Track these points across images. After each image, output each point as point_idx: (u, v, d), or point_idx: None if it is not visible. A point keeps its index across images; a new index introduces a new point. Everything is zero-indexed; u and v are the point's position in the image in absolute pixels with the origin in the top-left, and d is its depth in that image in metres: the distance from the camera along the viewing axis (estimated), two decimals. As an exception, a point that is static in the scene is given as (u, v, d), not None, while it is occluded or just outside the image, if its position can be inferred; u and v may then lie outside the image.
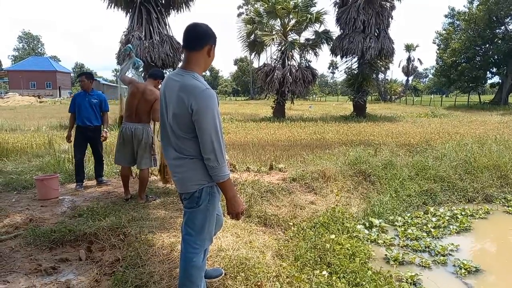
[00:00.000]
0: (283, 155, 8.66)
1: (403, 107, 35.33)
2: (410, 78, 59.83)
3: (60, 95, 58.62)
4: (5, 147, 8.61)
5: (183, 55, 2.22)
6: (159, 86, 5.03)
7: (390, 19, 20.08)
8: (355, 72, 21.01)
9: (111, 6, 17.11)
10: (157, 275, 2.88)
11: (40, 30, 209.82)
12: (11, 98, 41.59)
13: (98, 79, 72.55)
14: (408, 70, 56.25)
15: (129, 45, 5.09)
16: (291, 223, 4.41)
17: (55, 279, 3.21)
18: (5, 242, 3.71)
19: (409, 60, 55.85)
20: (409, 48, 55.77)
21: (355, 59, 20.72)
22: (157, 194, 5.25)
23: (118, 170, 6.84)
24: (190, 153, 2.16)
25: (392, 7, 20.18)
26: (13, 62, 79.86)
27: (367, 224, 4.80)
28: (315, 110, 29.34)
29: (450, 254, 4.02)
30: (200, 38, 2.16)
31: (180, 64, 2.26)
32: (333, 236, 3.81)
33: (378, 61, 21.41)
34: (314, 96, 65.74)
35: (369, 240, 4.39)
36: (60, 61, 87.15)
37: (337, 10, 20.45)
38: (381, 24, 19.57)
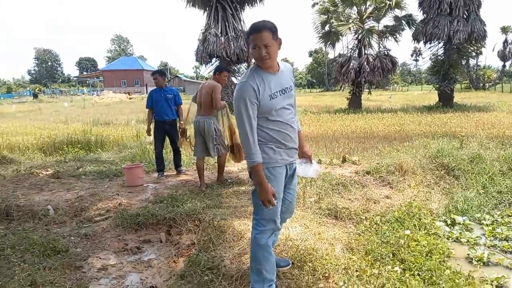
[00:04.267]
0: (358, 147, 8.39)
1: (499, 96, 31.78)
2: (508, 64, 53.59)
3: (146, 92, 63.33)
4: (100, 140, 9.60)
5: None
6: (225, 79, 5.31)
7: (481, -1, 18.16)
8: (441, 58, 19.41)
9: (189, 5, 17.98)
10: (227, 259, 3.01)
11: (128, 32, 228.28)
12: (106, 95, 46.05)
13: (180, 76, 76.98)
14: (505, 54, 50.36)
15: None
16: (363, 217, 4.27)
17: (139, 258, 3.54)
18: (98, 223, 4.17)
19: (505, 43, 50.05)
20: (505, 30, 49.91)
21: (441, 44, 19.14)
22: (232, 182, 5.53)
23: (195, 160, 7.25)
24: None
25: (485, -15, 18.21)
26: (107, 63, 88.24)
27: (448, 222, 4.45)
28: (396, 100, 27.78)
29: (547, 258, 3.57)
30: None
31: None
32: (408, 232, 3.62)
33: (468, 46, 19.49)
34: (394, 85, 62.17)
35: (450, 238, 4.08)
36: (146, 60, 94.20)
37: (420, -8, 19.03)
38: (470, 5, 17.76)
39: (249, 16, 21.30)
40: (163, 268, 3.29)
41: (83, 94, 52.41)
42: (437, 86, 19.83)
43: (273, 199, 2.30)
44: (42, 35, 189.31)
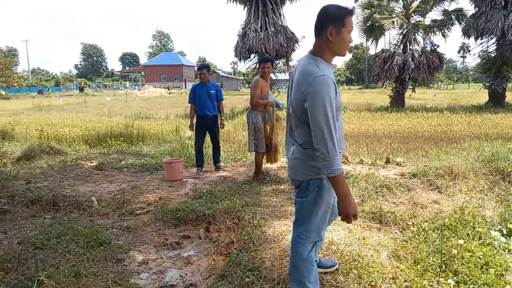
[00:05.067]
0: (401, 148, 8.04)
1: (556, 95, 29.57)
2: None
3: (185, 87, 64.62)
4: (142, 133, 9.83)
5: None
6: (268, 70, 5.20)
7: (542, -11, 16.85)
8: (493, 55, 18.25)
9: (230, 1, 18.00)
10: (268, 261, 2.92)
11: (167, 27, 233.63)
12: (146, 90, 47.39)
13: (217, 71, 77.88)
14: None
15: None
16: (410, 223, 4.04)
17: (179, 253, 3.52)
18: (139, 216, 4.21)
19: None
20: None
21: (493, 40, 17.99)
22: (271, 179, 5.42)
23: (234, 157, 7.24)
24: (302, 140, 2.12)
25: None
26: (148, 58, 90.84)
27: (504, 231, 4.11)
28: (441, 99, 26.53)
29: None
30: (319, 22, 2.05)
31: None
32: (462, 242, 3.36)
33: (524, 42, 18.18)
34: (439, 83, 59.50)
35: (506, 250, 3.77)
36: (186, 55, 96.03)
37: (472, -15, 17.97)
38: (529, -3, 16.55)
39: (290, 11, 21.14)
40: (202, 266, 3.25)
41: (125, 88, 54.26)
42: (488, 84, 18.68)
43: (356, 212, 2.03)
44: (89, 29, 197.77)
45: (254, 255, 3.01)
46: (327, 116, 1.89)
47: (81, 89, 54.20)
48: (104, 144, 8.75)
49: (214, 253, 3.46)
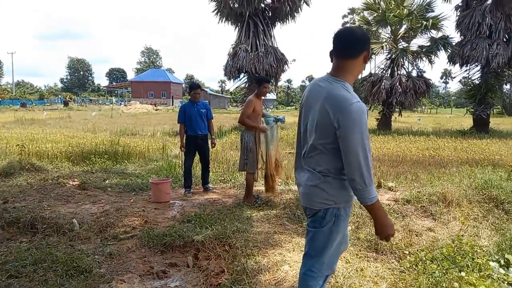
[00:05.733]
0: (391, 171, 7.99)
1: (535, 122, 30.45)
2: (544, 89, 51.46)
3: (172, 104, 64.39)
4: (127, 151, 9.56)
5: (332, 62, 2.03)
6: (266, 90, 5.14)
7: (524, 22, 17.49)
8: (477, 82, 18.73)
9: (222, 21, 18.14)
10: (263, 295, 2.73)
11: (157, 44, 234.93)
12: (133, 106, 47.00)
13: (205, 89, 78.08)
14: (541, 79, 48.46)
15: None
16: (407, 252, 3.91)
17: (165, 283, 3.29)
18: (123, 241, 3.97)
19: (542, 68, 48.16)
20: (543, 54, 48.12)
21: (477, 67, 18.50)
22: (262, 203, 5.24)
23: (223, 178, 7.05)
24: (321, 167, 1.98)
25: (527, 8, 17.55)
26: (136, 74, 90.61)
27: (502, 262, 4.01)
28: (425, 123, 26.99)
29: None
30: (358, 43, 1.96)
31: (328, 71, 2.05)
32: (463, 274, 3.24)
33: (507, 70, 18.74)
34: (423, 107, 60.80)
35: (506, 282, 3.65)
36: (174, 72, 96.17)
37: (458, 14, 18.52)
38: (511, 28, 17.13)
39: (280, 33, 21.45)
40: (191, 298, 3.03)
41: (111, 103, 53.73)
42: (472, 110, 19.09)
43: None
44: (73, 44, 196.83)
45: (248, 288, 2.81)
46: (364, 144, 1.83)
47: (66, 103, 53.36)
48: (87, 162, 8.44)
49: (203, 283, 3.25)
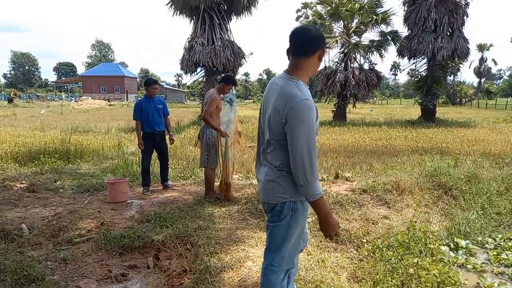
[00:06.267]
0: (347, 162, 8.23)
1: (476, 111, 32.67)
2: (483, 80, 55.41)
3: (127, 99, 62.24)
4: (80, 149, 9.09)
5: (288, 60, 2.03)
6: (229, 91, 5.10)
7: (465, 17, 18.61)
8: (424, 74, 19.74)
9: (176, 14, 17.70)
10: (227, 293, 2.71)
11: (109, 37, 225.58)
12: (84, 102, 44.86)
13: (161, 83, 76.22)
14: (480, 71, 52.12)
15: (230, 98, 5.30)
16: (365, 240, 4.05)
17: (125, 287, 3.18)
18: (78, 245, 3.79)
19: (482, 60, 51.79)
20: (482, 48, 51.77)
21: (424, 60, 19.49)
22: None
23: (182, 175, 6.92)
24: (277, 162, 2.02)
25: (467, 4, 18.69)
26: (86, 68, 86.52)
27: (451, 245, 4.27)
28: (377, 113, 28.10)
29: (560, 288, 3.41)
30: (313, 42, 1.98)
31: (285, 68, 2.07)
32: (417, 260, 3.40)
33: (450, 62, 19.89)
34: (374, 99, 63.29)
35: (455, 265, 3.89)
36: (127, 66, 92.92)
37: (405, 9, 19.36)
38: (454, 22, 18.19)
39: (237, 26, 21.31)
40: (152, 300, 2.95)
41: (61, 99, 51.00)
42: (420, 101, 20.10)
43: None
44: (19, 37, 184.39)
45: (212, 287, 2.78)
46: (308, 141, 1.86)
47: (10, 100, 49.82)
48: (36, 162, 7.93)
49: (165, 284, 3.18)
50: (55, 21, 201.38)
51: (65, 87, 74.37)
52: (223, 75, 5.30)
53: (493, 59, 53.02)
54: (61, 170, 7.32)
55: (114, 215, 4.67)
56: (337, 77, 18.72)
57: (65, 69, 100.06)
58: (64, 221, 4.33)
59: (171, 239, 3.75)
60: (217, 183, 5.40)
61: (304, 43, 1.98)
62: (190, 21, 18.19)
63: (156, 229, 4.00)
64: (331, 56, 22.17)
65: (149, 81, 5.95)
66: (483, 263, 3.89)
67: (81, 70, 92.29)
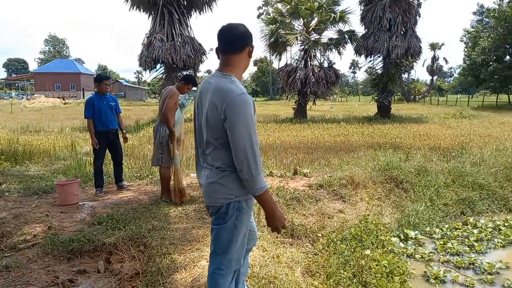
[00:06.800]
0: (306, 158, 8.35)
1: (428, 108, 34.31)
2: (435, 78, 58.33)
3: (83, 97, 59.75)
4: (29, 150, 8.62)
5: (219, 57, 2.04)
6: (188, 91, 4.99)
7: (417, 17, 19.44)
8: (380, 72, 20.45)
9: (133, 8, 17.20)
10: (179, 294, 2.66)
11: (64, 32, 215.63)
12: (37, 100, 42.63)
13: (120, 80, 73.91)
14: (433, 69, 54.82)
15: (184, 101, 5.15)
16: (320, 234, 4.13)
17: (72, 293, 3.04)
18: (22, 252, 3.58)
19: (434, 59, 54.47)
20: (434, 46, 54.40)
21: (380, 58, 20.18)
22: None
23: (139, 174, 6.73)
24: (218, 163, 1.98)
25: (419, 5, 19.55)
26: (39, 65, 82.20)
27: (401, 236, 4.46)
28: (337, 110, 28.80)
29: (498, 273, 3.65)
30: (241, 39, 2.01)
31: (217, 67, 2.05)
32: (368, 252, 3.51)
33: (404, 61, 20.73)
34: (334, 96, 64.88)
35: (405, 255, 4.06)
36: (84, 63, 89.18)
37: (362, 8, 19.94)
38: (408, 22, 18.95)
39: (197, 23, 21.01)
40: (102, 306, 2.84)
41: (11, 98, 48.14)
42: (376, 98, 20.80)
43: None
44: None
45: (163, 289, 2.71)
46: (249, 135, 1.86)
47: (-47, 98, 46.50)
48: (-21, 164, 7.44)
49: (116, 288, 3.07)
50: (4, 14, 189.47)
51: (16, 84, 70.23)
52: (185, 73, 5.15)
53: (444, 58, 55.99)
54: (7, 172, 6.90)
55: (64, 219, 4.45)
56: (298, 74, 18.96)
57: (15, 66, 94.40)
58: (7, 227, 4.08)
59: (124, 241, 3.63)
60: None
61: (232, 41, 2.00)
62: (149, 16, 17.76)
63: (108, 231, 3.86)
64: (292, 53, 22.45)
65: (100, 77, 5.71)
66: (430, 252, 4.08)
67: (33, 66, 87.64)
